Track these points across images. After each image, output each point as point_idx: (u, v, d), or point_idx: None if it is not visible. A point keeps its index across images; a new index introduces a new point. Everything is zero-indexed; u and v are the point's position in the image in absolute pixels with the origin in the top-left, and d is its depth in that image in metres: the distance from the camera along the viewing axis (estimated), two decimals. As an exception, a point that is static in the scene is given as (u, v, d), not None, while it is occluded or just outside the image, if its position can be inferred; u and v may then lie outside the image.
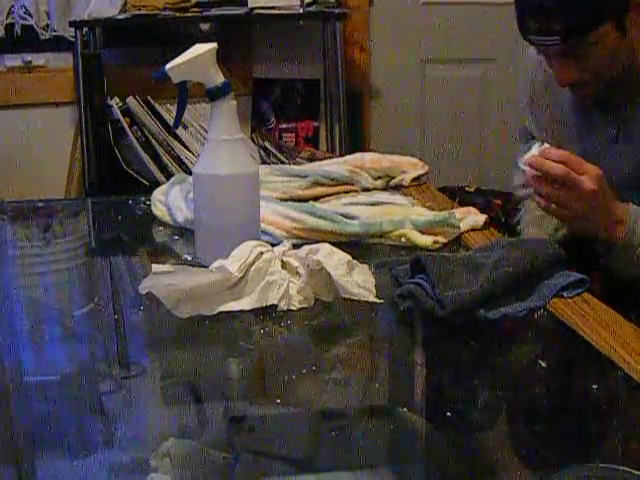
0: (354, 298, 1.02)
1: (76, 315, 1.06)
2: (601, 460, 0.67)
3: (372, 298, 1.03)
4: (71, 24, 2.90)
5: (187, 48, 1.15)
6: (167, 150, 3.00)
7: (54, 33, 3.07)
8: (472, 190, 2.84)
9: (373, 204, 1.39)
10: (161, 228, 1.38)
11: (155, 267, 1.08)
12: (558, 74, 1.34)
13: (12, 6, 3.03)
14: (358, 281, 1.05)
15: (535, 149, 1.27)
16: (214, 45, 1.15)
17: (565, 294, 1.06)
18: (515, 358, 0.94)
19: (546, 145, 1.26)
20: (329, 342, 0.97)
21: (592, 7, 1.27)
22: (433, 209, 1.39)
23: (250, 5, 2.86)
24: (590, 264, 1.29)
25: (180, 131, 2.99)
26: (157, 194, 1.44)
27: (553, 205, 1.23)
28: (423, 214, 1.31)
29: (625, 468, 0.65)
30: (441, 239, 1.26)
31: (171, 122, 2.93)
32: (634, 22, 1.29)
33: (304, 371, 0.87)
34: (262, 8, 2.87)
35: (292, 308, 1.01)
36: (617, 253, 1.27)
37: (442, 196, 1.55)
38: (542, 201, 1.23)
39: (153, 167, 2.98)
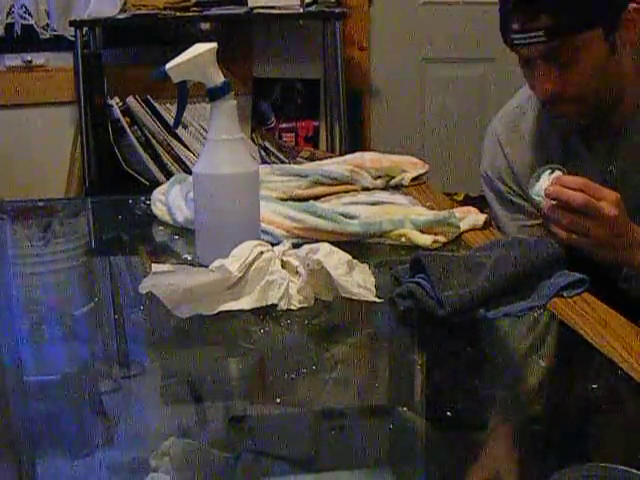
0: (354, 298, 1.02)
1: (76, 314, 1.06)
2: (601, 460, 0.67)
3: (372, 298, 1.03)
4: (71, 24, 2.90)
5: (187, 48, 1.15)
6: (167, 150, 3.00)
7: (54, 33, 3.07)
8: (460, 199, 2.84)
9: (373, 204, 1.39)
10: (161, 228, 1.38)
11: (155, 267, 1.08)
12: (539, 83, 1.26)
13: (12, 5, 3.03)
14: (358, 281, 1.04)
15: (546, 178, 1.21)
16: (214, 45, 1.15)
17: (565, 294, 1.06)
18: (515, 358, 0.94)
19: (558, 173, 1.21)
20: (329, 342, 0.97)
21: (582, 5, 1.21)
22: (433, 209, 1.39)
23: (250, 5, 2.86)
24: (606, 287, 1.18)
25: (180, 131, 2.99)
26: (157, 194, 1.44)
27: (574, 235, 1.16)
28: (423, 214, 1.31)
29: (625, 468, 0.65)
30: (441, 239, 1.26)
31: (171, 122, 2.93)
32: (623, 40, 1.23)
33: (304, 371, 0.87)
34: (262, 8, 2.87)
35: (292, 308, 1.01)
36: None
37: (442, 196, 1.55)
38: (562, 232, 1.17)
39: (153, 167, 2.98)
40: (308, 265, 1.03)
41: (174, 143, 3.00)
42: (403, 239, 1.26)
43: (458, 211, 1.35)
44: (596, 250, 1.19)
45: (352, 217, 1.28)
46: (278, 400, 0.81)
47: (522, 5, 1.21)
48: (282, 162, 2.92)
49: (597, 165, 1.34)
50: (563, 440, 0.72)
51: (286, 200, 1.39)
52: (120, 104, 3.00)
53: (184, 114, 1.23)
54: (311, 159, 2.67)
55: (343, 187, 1.50)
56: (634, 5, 1.23)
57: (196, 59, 1.14)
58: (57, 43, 3.08)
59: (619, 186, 1.26)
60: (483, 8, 3.00)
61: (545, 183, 1.20)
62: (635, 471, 0.65)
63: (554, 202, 1.16)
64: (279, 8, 2.87)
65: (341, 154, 2.55)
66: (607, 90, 1.26)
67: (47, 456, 0.73)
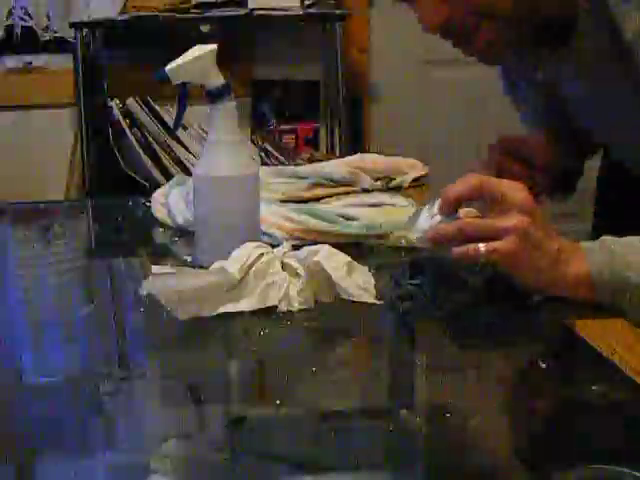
0: (354, 299, 1.02)
1: (76, 316, 1.06)
2: (602, 461, 0.67)
3: (372, 299, 1.03)
4: (71, 25, 2.91)
5: (187, 49, 1.15)
6: (167, 151, 3.00)
7: (54, 34, 3.08)
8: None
9: (373, 205, 1.39)
10: (161, 229, 1.38)
11: (155, 268, 1.08)
12: (420, 13, 1.02)
13: (12, 7, 3.04)
14: (358, 282, 1.04)
15: (424, 219, 1.03)
16: (214, 46, 1.15)
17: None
18: (515, 358, 0.94)
19: (436, 215, 1.00)
20: (329, 343, 0.97)
21: None
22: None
23: (250, 6, 2.87)
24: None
25: (180, 132, 3.00)
26: (157, 195, 1.44)
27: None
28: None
29: (626, 470, 0.65)
30: (441, 240, 1.26)
31: (171, 123, 2.94)
32: None
33: (304, 372, 0.87)
34: (262, 9, 2.87)
35: (292, 309, 1.01)
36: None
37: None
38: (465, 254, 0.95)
39: (153, 168, 2.98)
40: (308, 267, 1.03)
41: (174, 145, 3.00)
42: (403, 241, 1.26)
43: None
44: (514, 273, 0.96)
45: (352, 219, 1.28)
46: (278, 402, 0.81)
47: None
48: (282, 164, 2.92)
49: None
50: (564, 441, 0.72)
51: (286, 202, 1.39)
52: (120, 106, 3.01)
53: (184, 116, 1.23)
54: (311, 161, 2.67)
55: (343, 189, 1.50)
56: None
57: (196, 61, 1.14)
58: (57, 45, 3.09)
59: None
60: None
61: (424, 220, 1.03)
62: (637, 473, 0.65)
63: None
64: (279, 10, 2.88)
65: (341, 156, 2.55)
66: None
67: (47, 458, 0.73)
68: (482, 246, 0.92)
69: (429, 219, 1.02)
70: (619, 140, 1.20)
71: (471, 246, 0.93)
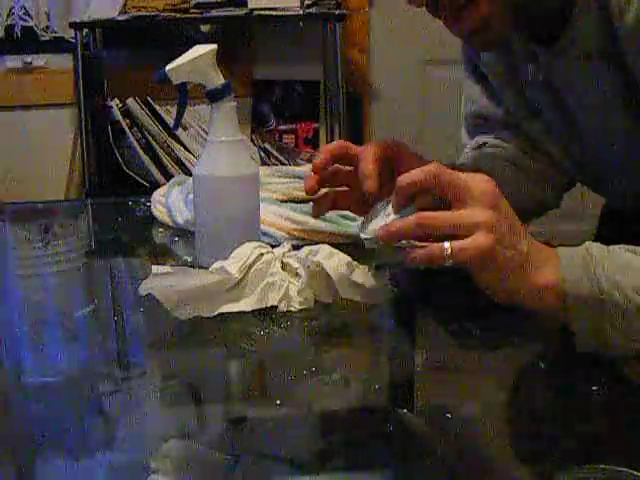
0: (354, 299, 1.02)
1: (76, 316, 1.06)
2: (602, 462, 0.67)
3: (372, 299, 1.03)
4: (71, 25, 2.91)
5: (187, 49, 1.15)
6: (167, 151, 3.00)
7: (54, 34, 3.08)
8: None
9: (373, 205, 1.39)
10: (161, 229, 1.38)
11: (155, 268, 1.08)
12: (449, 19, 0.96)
13: (12, 7, 3.04)
14: (358, 282, 1.04)
15: (380, 219, 0.93)
16: (214, 46, 1.15)
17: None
18: (515, 358, 0.94)
19: (390, 214, 0.91)
20: (329, 343, 0.97)
21: None
22: (433, 210, 1.39)
23: (250, 6, 2.87)
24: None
25: (180, 132, 3.00)
26: (157, 195, 1.44)
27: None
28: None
29: (627, 470, 0.65)
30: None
31: (171, 123, 2.94)
32: None
33: (304, 372, 0.87)
34: (262, 9, 2.87)
35: (292, 309, 1.01)
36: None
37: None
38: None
39: (153, 168, 2.98)
40: (308, 267, 1.03)
41: (174, 145, 3.00)
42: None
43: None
44: (476, 275, 0.85)
45: (352, 219, 1.28)
46: (278, 402, 0.81)
47: None
48: (282, 164, 2.93)
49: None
50: (564, 442, 0.72)
51: (286, 202, 1.39)
52: (120, 106, 3.01)
53: (184, 116, 1.23)
54: (311, 161, 2.67)
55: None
56: None
57: (196, 61, 1.14)
58: (57, 45, 3.09)
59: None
60: None
61: (380, 220, 0.92)
62: (638, 473, 0.65)
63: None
64: (279, 10, 2.88)
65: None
66: None
67: (47, 458, 0.73)
68: (448, 245, 0.80)
69: (384, 219, 0.91)
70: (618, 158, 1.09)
71: (435, 246, 0.81)
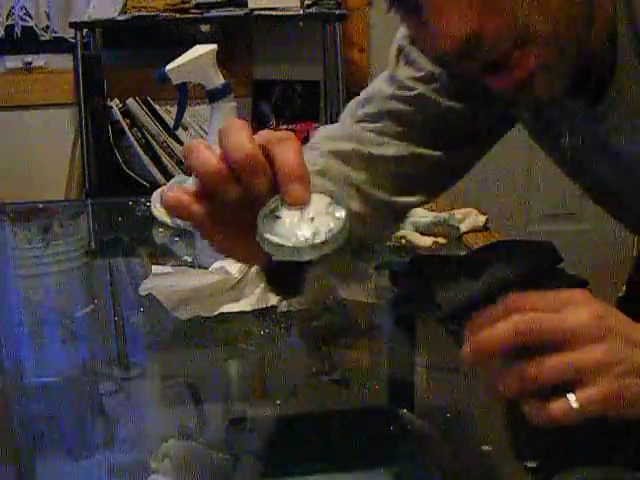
0: (354, 299, 1.02)
1: (76, 316, 1.06)
2: (602, 462, 0.67)
3: (372, 299, 1.03)
4: (71, 25, 2.90)
5: (187, 49, 1.15)
6: (167, 151, 3.00)
7: (54, 34, 3.08)
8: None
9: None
10: (161, 229, 1.38)
11: (155, 268, 1.08)
12: (436, 25, 0.72)
13: (12, 7, 3.04)
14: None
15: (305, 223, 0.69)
16: (214, 46, 1.15)
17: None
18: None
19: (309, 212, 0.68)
20: (329, 343, 0.97)
21: None
22: (433, 210, 1.39)
23: (250, 6, 2.86)
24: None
25: (180, 132, 3.00)
26: (157, 195, 1.44)
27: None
28: (423, 215, 1.31)
29: (626, 470, 0.65)
30: (441, 240, 1.26)
31: (171, 123, 2.93)
32: None
33: (304, 372, 0.87)
34: (262, 9, 2.87)
35: (292, 309, 1.01)
36: None
37: (442, 197, 1.54)
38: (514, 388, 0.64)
39: (153, 168, 2.98)
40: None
41: (174, 145, 3.00)
42: (403, 241, 1.26)
43: (459, 212, 1.35)
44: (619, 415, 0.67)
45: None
46: (278, 402, 0.81)
47: None
48: (282, 164, 2.92)
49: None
50: (565, 442, 0.72)
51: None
52: (120, 106, 3.01)
53: (184, 116, 1.23)
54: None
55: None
56: None
57: (196, 61, 1.14)
58: (57, 45, 3.09)
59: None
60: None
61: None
62: (637, 473, 0.65)
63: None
64: (279, 10, 2.88)
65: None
66: (561, 9, 0.72)
67: (47, 458, 0.73)
68: (573, 398, 0.64)
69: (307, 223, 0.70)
70: None
71: (557, 402, 0.64)
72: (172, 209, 0.69)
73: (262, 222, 0.68)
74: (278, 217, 0.68)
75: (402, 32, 1.00)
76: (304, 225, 0.69)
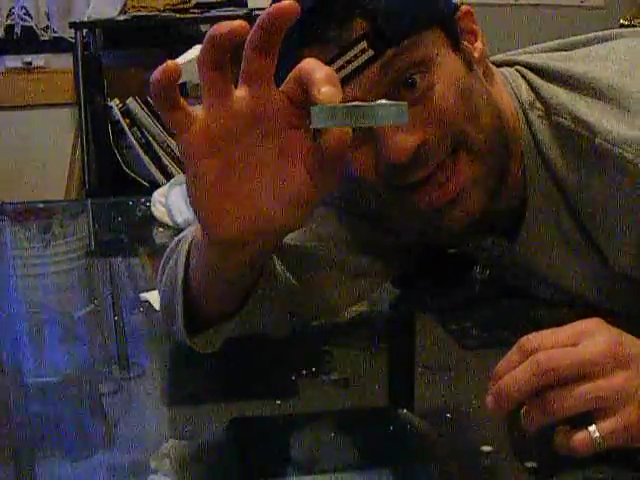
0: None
1: (76, 316, 1.06)
2: (601, 462, 0.67)
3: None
4: (71, 25, 2.91)
5: (187, 49, 1.15)
6: (167, 151, 3.01)
7: (54, 34, 3.08)
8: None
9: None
10: (161, 229, 1.38)
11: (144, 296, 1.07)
12: (388, 140, 0.77)
13: (12, 7, 3.04)
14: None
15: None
16: (214, 46, 1.15)
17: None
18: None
19: None
20: (329, 343, 0.97)
21: None
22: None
23: (250, 6, 2.87)
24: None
25: (180, 132, 3.00)
26: (157, 195, 1.44)
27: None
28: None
29: (625, 470, 0.65)
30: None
31: (171, 123, 2.94)
32: (470, 49, 0.84)
33: (304, 372, 0.87)
34: (262, 9, 2.87)
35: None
36: None
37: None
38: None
39: (153, 168, 2.98)
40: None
41: (174, 145, 3.00)
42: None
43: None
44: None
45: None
46: (278, 401, 0.81)
47: (322, 10, 0.76)
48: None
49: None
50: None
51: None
52: (120, 105, 3.01)
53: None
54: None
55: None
56: (465, 7, 0.86)
57: (196, 61, 1.14)
58: (57, 45, 3.09)
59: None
60: (482, 9, 2.99)
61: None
62: (636, 474, 0.65)
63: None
64: (279, 10, 2.88)
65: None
66: (489, 125, 0.83)
67: (47, 458, 0.73)
68: (594, 428, 0.65)
69: None
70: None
71: (579, 435, 0.65)
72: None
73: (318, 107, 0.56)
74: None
75: None
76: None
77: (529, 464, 0.69)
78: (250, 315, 0.80)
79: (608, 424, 0.65)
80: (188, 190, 0.63)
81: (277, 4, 0.59)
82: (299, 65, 0.60)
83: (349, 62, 0.76)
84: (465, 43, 0.84)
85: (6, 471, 0.71)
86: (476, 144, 0.81)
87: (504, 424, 0.73)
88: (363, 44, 0.75)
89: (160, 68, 0.60)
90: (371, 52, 0.75)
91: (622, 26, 2.79)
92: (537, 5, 3.40)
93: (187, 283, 0.78)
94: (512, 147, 0.86)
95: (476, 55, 0.85)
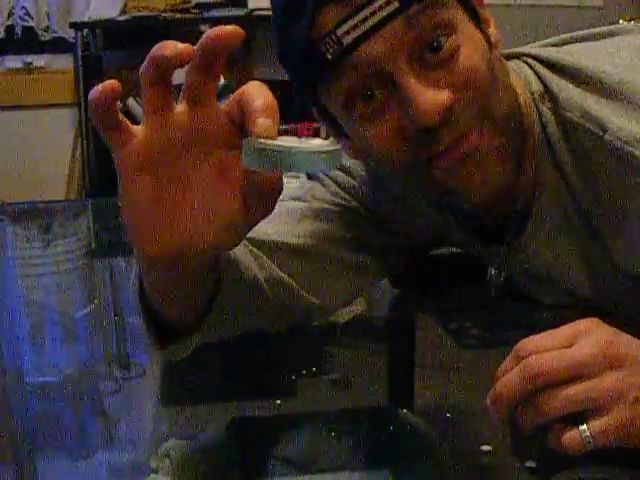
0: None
1: (76, 316, 1.06)
2: (601, 462, 0.67)
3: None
4: (71, 25, 2.91)
5: (187, 49, 1.15)
6: (167, 151, 3.01)
7: (54, 34, 3.08)
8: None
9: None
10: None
11: None
12: (417, 99, 0.74)
13: (13, 7, 3.04)
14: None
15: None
16: (214, 46, 1.15)
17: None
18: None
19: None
20: (329, 343, 0.97)
21: None
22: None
23: (250, 6, 2.87)
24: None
25: (180, 132, 3.00)
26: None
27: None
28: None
29: (625, 470, 0.65)
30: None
31: (171, 123, 2.94)
32: (489, 33, 0.81)
33: (304, 372, 0.87)
34: (262, 10, 2.87)
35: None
36: None
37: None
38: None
39: (153, 168, 2.98)
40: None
41: (174, 145, 3.01)
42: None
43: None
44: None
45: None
46: (278, 401, 0.81)
47: None
48: (282, 164, 2.92)
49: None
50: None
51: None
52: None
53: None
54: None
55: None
56: None
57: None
58: (57, 45, 3.09)
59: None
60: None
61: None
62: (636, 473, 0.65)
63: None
64: (279, 10, 2.88)
65: (341, 156, 2.54)
66: (509, 105, 0.81)
67: (48, 457, 0.73)
68: (585, 428, 0.65)
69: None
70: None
71: (569, 434, 0.65)
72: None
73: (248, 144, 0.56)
74: (264, 144, 0.56)
75: None
76: (300, 143, 0.58)
77: (529, 464, 0.69)
78: (214, 322, 0.78)
79: (599, 423, 0.64)
80: (120, 206, 0.61)
81: (220, 28, 0.58)
82: (243, 87, 0.59)
83: (373, 14, 0.72)
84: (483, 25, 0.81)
85: (6, 471, 0.71)
86: (499, 117, 0.79)
87: (503, 424, 0.73)
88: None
89: (99, 87, 0.59)
90: (396, 4, 0.72)
91: (622, 26, 2.80)
92: (537, 5, 3.40)
93: (145, 295, 0.76)
94: (526, 136, 0.84)
95: (493, 40, 0.82)
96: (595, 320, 0.68)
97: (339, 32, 0.72)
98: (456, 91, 0.75)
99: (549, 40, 0.94)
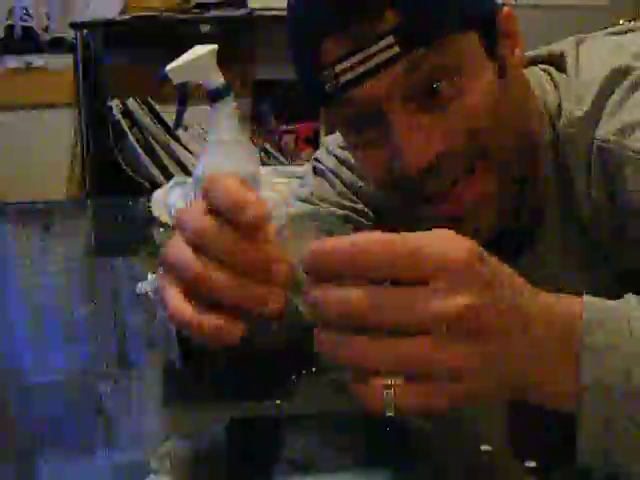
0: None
1: (76, 316, 1.06)
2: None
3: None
4: (71, 25, 2.91)
5: (187, 49, 1.15)
6: (167, 151, 3.01)
7: (54, 34, 3.08)
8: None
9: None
10: (161, 229, 1.38)
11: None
12: (405, 144, 0.70)
13: (13, 7, 3.04)
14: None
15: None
16: (214, 46, 1.15)
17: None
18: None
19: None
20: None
21: None
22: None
23: (250, 6, 2.87)
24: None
25: (180, 132, 3.00)
26: (157, 195, 1.44)
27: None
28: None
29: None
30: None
31: (171, 123, 2.94)
32: (508, 55, 0.76)
33: (304, 371, 0.87)
34: (262, 9, 2.87)
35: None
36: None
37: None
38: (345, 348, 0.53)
39: (153, 168, 2.98)
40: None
41: (174, 145, 3.01)
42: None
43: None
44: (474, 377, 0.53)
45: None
46: (278, 402, 0.81)
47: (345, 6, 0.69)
48: (282, 164, 2.92)
49: None
50: (566, 442, 0.72)
51: (286, 202, 1.39)
52: (120, 106, 3.01)
53: (184, 116, 1.23)
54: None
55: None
56: (507, 8, 0.78)
57: (196, 61, 1.14)
58: (57, 45, 3.09)
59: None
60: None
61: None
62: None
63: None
64: (279, 10, 2.88)
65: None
66: (514, 137, 0.75)
67: (47, 457, 0.73)
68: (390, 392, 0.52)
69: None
70: None
71: (372, 390, 0.52)
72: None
73: None
74: None
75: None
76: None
77: (529, 464, 0.69)
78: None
79: (411, 388, 0.52)
80: None
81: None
82: None
83: (372, 56, 0.69)
84: (502, 48, 0.76)
85: (6, 471, 0.71)
86: (497, 157, 0.74)
87: (504, 424, 0.73)
88: (390, 39, 0.68)
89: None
90: (397, 49, 0.68)
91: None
92: (537, 5, 3.40)
93: None
94: (535, 159, 0.80)
95: (512, 62, 0.77)
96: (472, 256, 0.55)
97: (337, 69, 0.70)
98: (451, 137, 0.71)
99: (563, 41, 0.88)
